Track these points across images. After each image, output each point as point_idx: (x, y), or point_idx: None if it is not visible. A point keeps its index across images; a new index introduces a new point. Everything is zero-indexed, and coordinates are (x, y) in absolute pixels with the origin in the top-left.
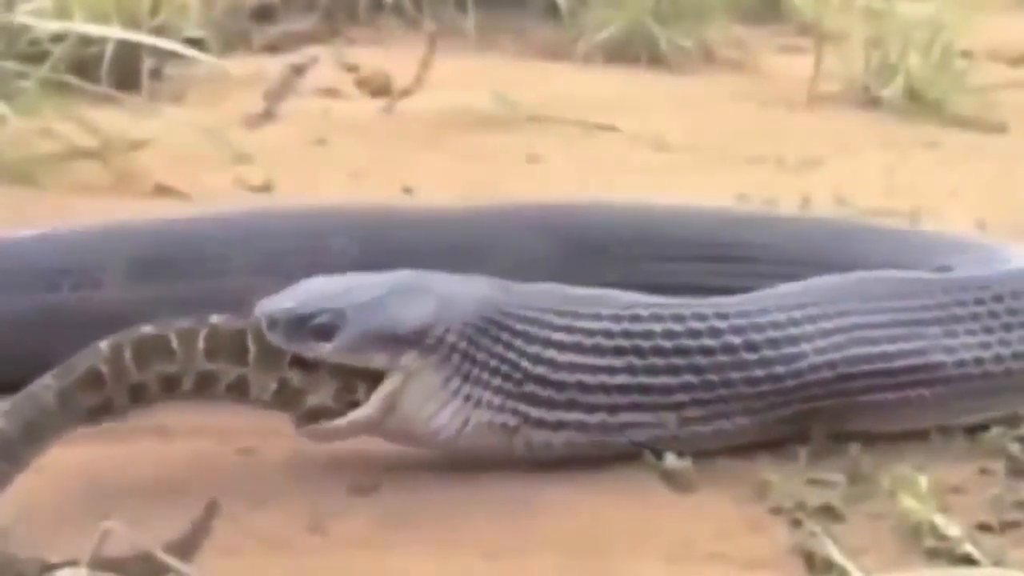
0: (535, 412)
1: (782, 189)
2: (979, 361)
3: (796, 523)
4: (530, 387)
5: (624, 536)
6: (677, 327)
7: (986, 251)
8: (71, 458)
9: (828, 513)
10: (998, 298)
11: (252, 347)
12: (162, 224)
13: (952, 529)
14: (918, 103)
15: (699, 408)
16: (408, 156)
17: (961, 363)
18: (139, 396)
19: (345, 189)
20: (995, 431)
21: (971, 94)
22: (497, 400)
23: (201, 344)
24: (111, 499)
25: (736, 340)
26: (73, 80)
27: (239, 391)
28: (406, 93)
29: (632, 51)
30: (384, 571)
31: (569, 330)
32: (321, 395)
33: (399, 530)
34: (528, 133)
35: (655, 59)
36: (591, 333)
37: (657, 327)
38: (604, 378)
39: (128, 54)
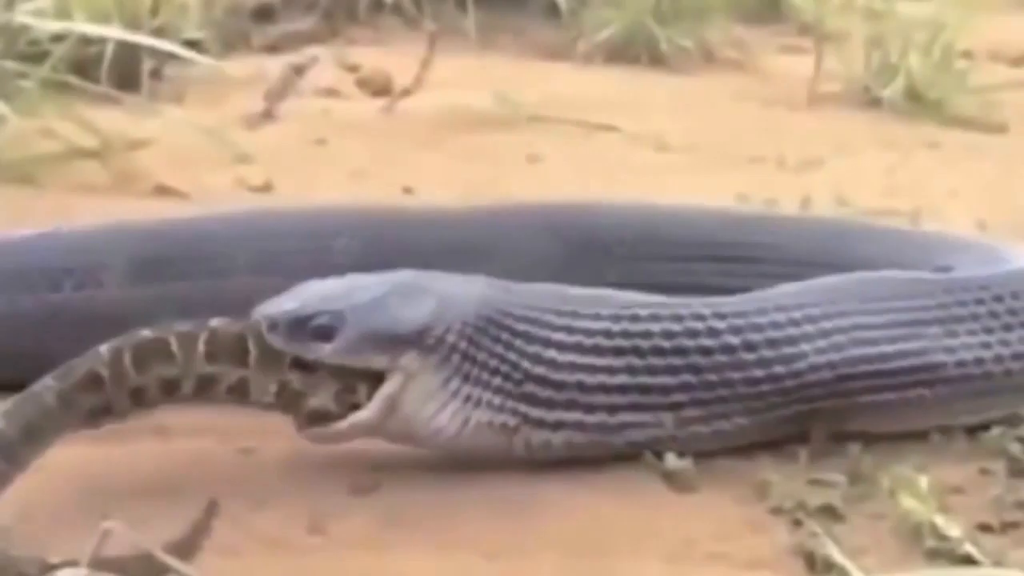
0: (535, 412)
1: (782, 189)
2: (979, 361)
3: (796, 523)
4: (530, 387)
5: (624, 536)
6: (675, 327)
7: (986, 251)
8: (71, 458)
9: (828, 513)
10: (998, 298)
11: (252, 349)
12: (164, 224)
13: (953, 529)
14: (919, 103)
15: (698, 408)
16: (408, 156)
17: (961, 363)
18: (139, 399)
19: (345, 189)
20: (995, 431)
21: (972, 94)
22: (497, 400)
23: (201, 347)
24: (111, 499)
25: (734, 340)
26: (73, 80)
27: (239, 393)
28: (406, 93)
29: (632, 51)
30: (384, 571)
31: (569, 330)
32: (321, 397)
33: (399, 530)
34: (528, 133)
35: (655, 59)
36: (591, 333)
37: (655, 327)
38: (603, 378)
39: (128, 54)
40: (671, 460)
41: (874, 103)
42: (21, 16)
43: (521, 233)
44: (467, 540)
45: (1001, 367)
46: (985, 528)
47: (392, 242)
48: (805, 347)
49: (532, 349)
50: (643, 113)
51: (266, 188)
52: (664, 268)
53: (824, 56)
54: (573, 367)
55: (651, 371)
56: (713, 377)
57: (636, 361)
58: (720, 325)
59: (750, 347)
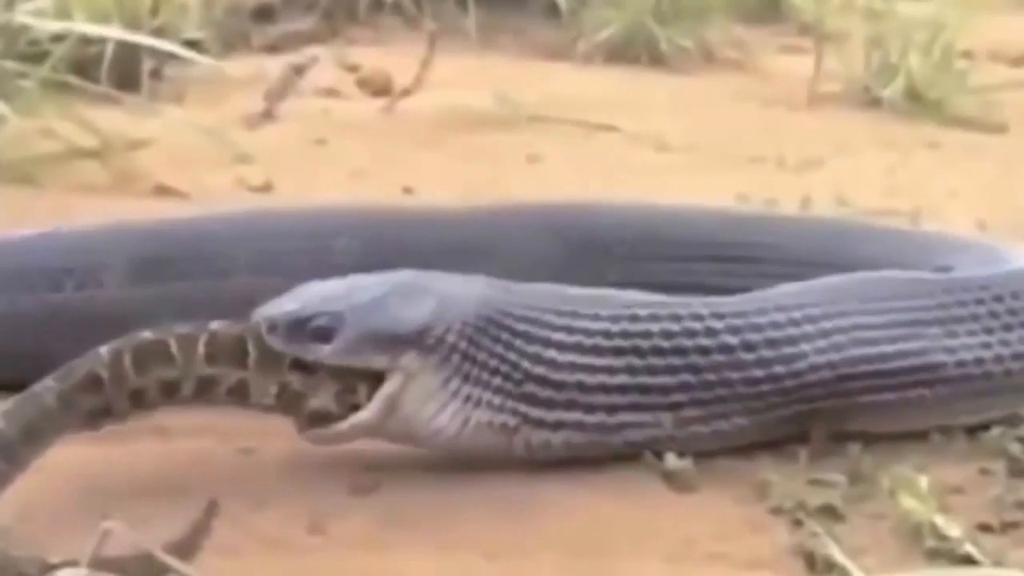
0: (535, 412)
1: (782, 189)
2: (979, 361)
3: (797, 523)
4: (530, 387)
5: (624, 536)
6: (674, 327)
7: (986, 251)
8: (71, 458)
9: (829, 513)
10: (998, 298)
11: (252, 351)
12: (164, 224)
13: (953, 529)
14: (919, 103)
15: (697, 408)
16: (408, 156)
17: (961, 363)
18: (139, 401)
19: (345, 189)
20: (996, 431)
21: (972, 94)
22: (497, 400)
23: (201, 349)
24: (111, 499)
25: (733, 340)
26: (73, 80)
27: (239, 395)
28: (406, 93)
29: (632, 51)
30: (384, 571)
31: (569, 330)
32: (322, 398)
33: (399, 530)
34: (528, 133)
35: (655, 59)
36: (590, 333)
37: (654, 327)
38: (603, 378)
39: (128, 54)
40: (671, 460)
41: (874, 103)
42: (21, 16)
43: (521, 233)
44: (467, 540)
45: (1001, 367)
46: (985, 528)
47: (392, 242)
48: (805, 347)
49: (532, 349)
50: (643, 113)
51: (266, 188)
52: (664, 268)
53: (824, 56)
54: (573, 367)
55: (650, 371)
56: (712, 377)
57: (635, 361)
58: (719, 325)
59: (749, 347)
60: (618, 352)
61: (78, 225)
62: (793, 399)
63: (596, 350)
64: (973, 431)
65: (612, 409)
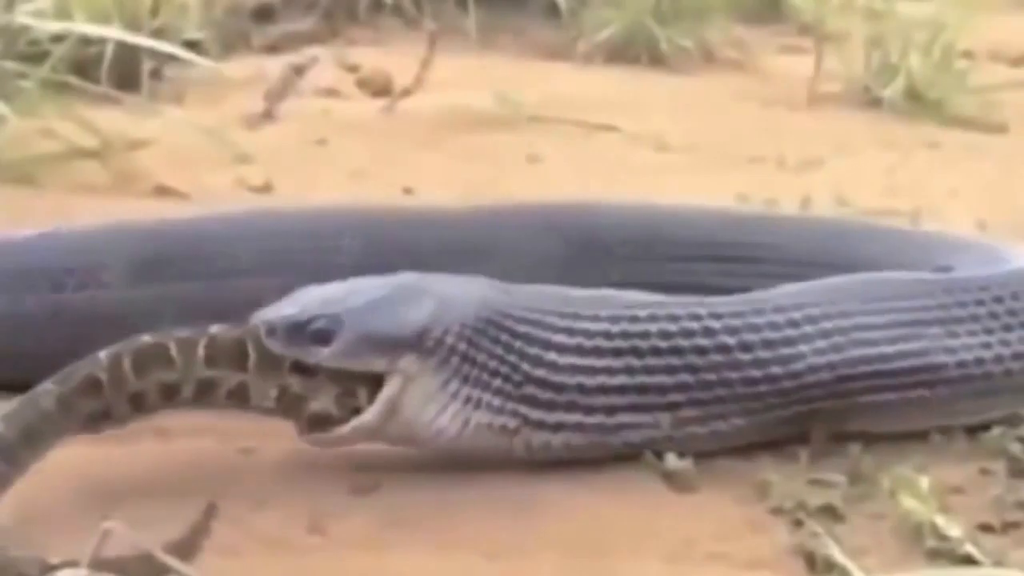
0: (535, 414)
1: (782, 189)
2: (980, 361)
3: (797, 523)
4: (530, 389)
5: (624, 536)
6: (672, 327)
7: (986, 251)
8: (71, 459)
9: (829, 513)
10: (998, 298)
11: (252, 354)
12: (164, 224)
13: (953, 529)
14: (919, 103)
15: (695, 409)
16: (408, 156)
17: (962, 364)
18: (139, 404)
19: (345, 189)
20: (996, 431)
21: (972, 94)
22: (497, 402)
23: (201, 351)
24: (111, 499)
25: (731, 340)
26: (73, 80)
27: (239, 398)
28: (406, 93)
29: (632, 51)
30: (384, 571)
31: (569, 332)
32: (322, 400)
33: (399, 530)
34: (528, 133)
35: (655, 59)
36: (591, 335)
37: (653, 327)
38: (603, 379)
39: (128, 54)
40: (671, 460)
41: (874, 103)
42: (21, 16)
43: (522, 233)
44: (467, 540)
45: (1001, 367)
46: (986, 528)
47: (393, 242)
48: (804, 348)
49: (532, 351)
50: (643, 113)
51: (266, 188)
52: (664, 268)
53: (824, 56)
54: (573, 369)
55: (649, 371)
56: (710, 377)
57: (634, 361)
58: (717, 325)
59: (747, 347)
60: (617, 353)
61: (78, 225)
62: (792, 400)
63: (596, 351)
64: (973, 431)
65: (611, 410)
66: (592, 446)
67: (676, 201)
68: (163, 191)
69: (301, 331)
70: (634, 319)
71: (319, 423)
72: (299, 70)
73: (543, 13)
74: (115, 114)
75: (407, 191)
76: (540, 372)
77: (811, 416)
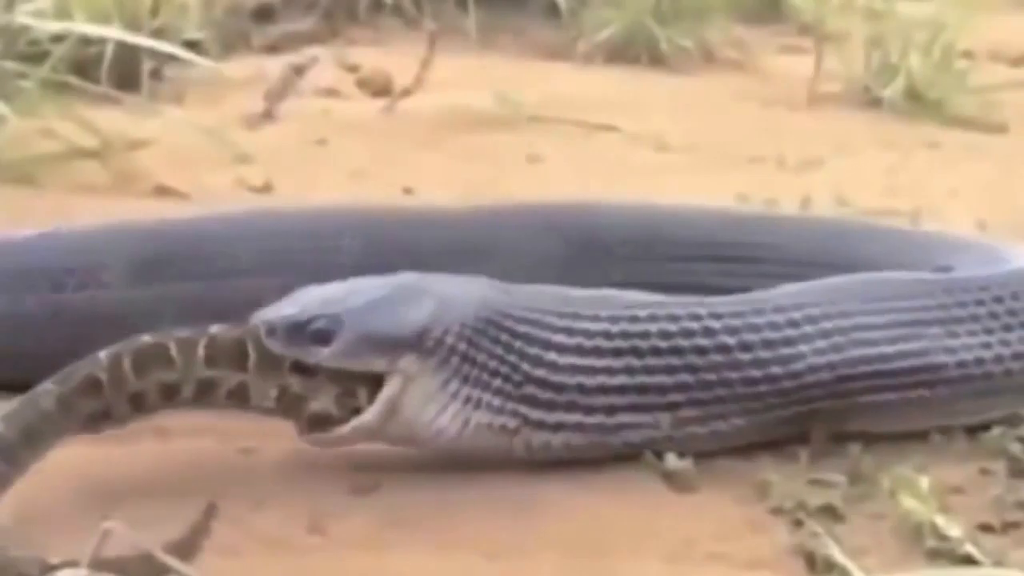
0: (535, 414)
1: (782, 189)
2: (980, 361)
3: (797, 523)
4: (530, 389)
5: (624, 536)
6: (672, 327)
7: (986, 251)
8: (71, 459)
9: (829, 513)
10: (998, 298)
11: (252, 354)
12: (164, 224)
13: (953, 529)
14: (919, 103)
15: (695, 409)
16: (408, 156)
17: (962, 364)
18: (139, 404)
19: (345, 189)
20: (996, 431)
21: (972, 94)
22: (497, 402)
23: (201, 352)
24: (111, 499)
25: (731, 340)
26: (73, 80)
27: (239, 398)
28: (406, 93)
29: (632, 51)
30: (384, 571)
31: (569, 332)
32: (322, 401)
33: (399, 530)
34: (528, 133)
35: (655, 59)
36: (591, 335)
37: (653, 327)
38: (603, 379)
39: (128, 54)
40: (671, 460)
41: (874, 103)
42: (21, 16)
43: (522, 233)
44: (467, 540)
45: (1001, 367)
46: (986, 528)
47: (393, 242)
48: (804, 348)
49: (532, 351)
50: (643, 113)
51: (266, 188)
52: (664, 268)
53: (824, 56)
54: (574, 369)
55: (649, 371)
56: (710, 377)
57: (634, 361)
58: (716, 325)
59: (747, 347)
60: (617, 353)
61: (78, 225)
62: (792, 400)
63: (596, 351)
64: (973, 431)
65: (611, 410)
66: (592, 446)
67: (676, 201)
68: (163, 191)
69: (301, 331)
70: (634, 319)
71: (319, 423)
72: (299, 70)
73: (543, 13)
74: (115, 114)
75: (407, 191)
76: (540, 372)
77: (811, 416)
